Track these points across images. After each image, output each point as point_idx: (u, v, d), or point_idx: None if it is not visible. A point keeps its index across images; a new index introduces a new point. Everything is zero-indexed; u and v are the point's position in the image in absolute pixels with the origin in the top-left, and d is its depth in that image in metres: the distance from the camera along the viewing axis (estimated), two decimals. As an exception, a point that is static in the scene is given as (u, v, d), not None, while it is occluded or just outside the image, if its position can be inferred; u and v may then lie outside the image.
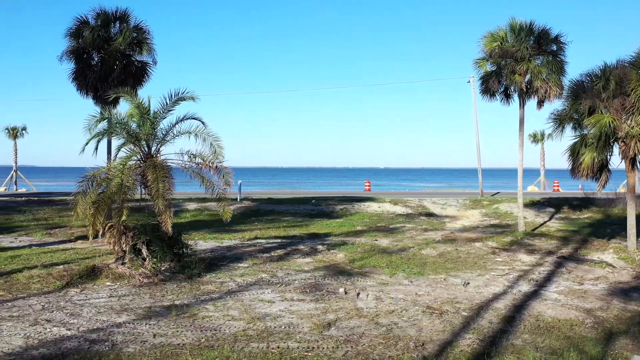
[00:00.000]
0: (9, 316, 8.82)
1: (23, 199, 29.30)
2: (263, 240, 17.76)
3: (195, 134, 11.79)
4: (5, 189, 43.45)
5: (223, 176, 11.93)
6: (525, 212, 26.88)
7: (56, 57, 18.53)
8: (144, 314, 9.12)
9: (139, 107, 11.81)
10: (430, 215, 26.34)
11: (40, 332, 8.04)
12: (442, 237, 19.10)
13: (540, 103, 18.79)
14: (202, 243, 16.62)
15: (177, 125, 12.21)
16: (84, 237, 18.04)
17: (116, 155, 12.57)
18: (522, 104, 18.99)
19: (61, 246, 16.30)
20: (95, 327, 8.32)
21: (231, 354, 7.27)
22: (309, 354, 7.36)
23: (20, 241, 17.18)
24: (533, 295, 10.61)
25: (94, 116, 11.98)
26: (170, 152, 12.10)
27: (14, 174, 44.67)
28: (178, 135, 11.91)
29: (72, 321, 8.63)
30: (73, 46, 18.18)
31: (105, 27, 18.18)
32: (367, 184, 42.57)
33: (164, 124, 12.13)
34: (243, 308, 9.51)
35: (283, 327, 8.48)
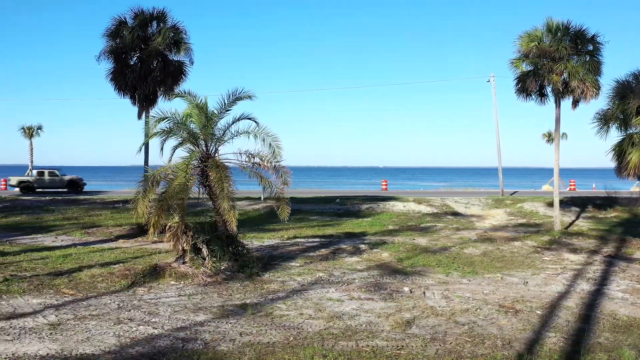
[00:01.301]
0: (89, 315, 8.88)
1: (47, 198, 29.36)
2: (302, 240, 17.83)
3: (255, 135, 11.84)
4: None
5: (281, 175, 11.99)
6: (552, 211, 26.99)
7: (94, 57, 18.58)
8: (220, 312, 9.17)
9: (199, 107, 11.87)
10: (455, 214, 26.40)
11: (128, 331, 8.10)
12: (477, 236, 19.17)
13: (575, 103, 18.88)
14: (244, 242, 16.66)
15: (233, 125, 12.27)
16: (124, 237, 18.17)
17: (171, 155, 12.61)
18: (558, 104, 19.05)
19: (105, 245, 16.37)
20: (179, 326, 8.38)
21: (325, 351, 7.33)
22: (402, 352, 7.42)
23: (62, 240, 17.25)
24: (597, 293, 10.67)
25: (153, 117, 12.02)
26: (228, 152, 12.17)
27: (30, 172, 44.66)
28: (237, 135, 11.97)
29: (153, 320, 8.69)
30: (111, 46, 18.22)
31: (144, 27, 18.22)
32: (383, 183, 42.68)
33: (220, 123, 12.20)
34: (315, 307, 9.57)
35: (364, 325, 8.55)
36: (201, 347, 7.50)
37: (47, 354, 7.07)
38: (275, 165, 11.97)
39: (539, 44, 18.18)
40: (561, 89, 18.56)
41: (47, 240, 17.30)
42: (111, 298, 9.96)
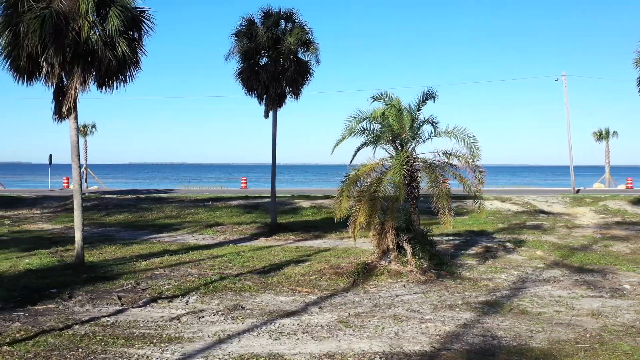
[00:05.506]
0: (358, 313, 9.02)
1: (130, 196, 29.52)
2: (437, 238, 17.95)
3: (456, 136, 12.00)
4: (76, 187, 43.63)
5: (477, 175, 12.14)
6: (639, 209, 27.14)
7: (223, 56, 18.72)
8: (477, 310, 9.31)
9: (396, 107, 12.04)
10: (544, 212, 26.49)
11: (421, 328, 8.25)
12: (601, 234, 19.30)
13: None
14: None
15: (423, 126, 12.44)
16: (259, 235, 18.33)
17: (354, 155, 12.80)
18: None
19: (253, 244, 16.55)
20: (461, 324, 8.52)
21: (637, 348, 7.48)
22: None
23: (203, 239, 17.43)
24: None
25: (353, 117, 12.19)
26: (426, 152, 12.35)
27: (84, 171, 44.88)
28: (436, 136, 12.14)
29: (426, 317, 8.85)
30: (243, 45, 18.34)
31: (275, 27, 18.34)
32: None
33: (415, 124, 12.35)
34: (559, 304, 9.73)
35: (638, 323, 8.69)
36: (515, 344, 7.64)
37: (382, 351, 7.23)
38: (472, 165, 12.12)
39: (668, 42, 18.28)
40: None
41: (186, 238, 17.47)
42: (353, 296, 10.11)
